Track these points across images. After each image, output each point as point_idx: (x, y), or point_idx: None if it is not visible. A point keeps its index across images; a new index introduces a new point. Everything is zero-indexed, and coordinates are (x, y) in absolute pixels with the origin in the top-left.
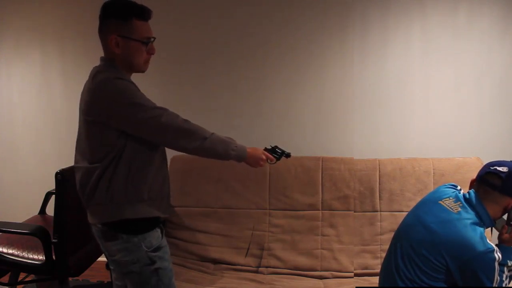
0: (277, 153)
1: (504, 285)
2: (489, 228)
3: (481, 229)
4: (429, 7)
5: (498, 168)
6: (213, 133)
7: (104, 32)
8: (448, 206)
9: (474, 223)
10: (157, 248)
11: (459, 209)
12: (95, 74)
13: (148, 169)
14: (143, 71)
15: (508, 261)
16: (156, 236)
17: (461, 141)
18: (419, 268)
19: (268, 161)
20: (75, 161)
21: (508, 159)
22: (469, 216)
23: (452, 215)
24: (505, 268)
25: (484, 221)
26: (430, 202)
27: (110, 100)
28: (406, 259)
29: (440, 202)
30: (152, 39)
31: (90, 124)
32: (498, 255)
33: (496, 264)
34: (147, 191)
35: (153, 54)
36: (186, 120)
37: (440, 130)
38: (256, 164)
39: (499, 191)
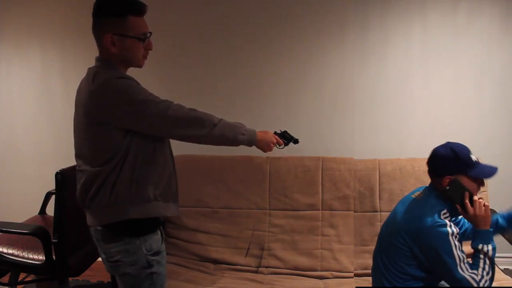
0: (286, 138)
1: (484, 275)
2: None
3: (440, 207)
4: (429, 7)
5: None
6: (221, 119)
7: (98, 31)
8: (414, 195)
9: (433, 204)
10: (157, 253)
11: (422, 195)
12: (94, 76)
13: (153, 168)
14: (140, 66)
15: (481, 244)
16: (156, 240)
17: (461, 141)
18: (394, 256)
19: (277, 145)
20: (78, 165)
21: (508, 159)
22: (428, 199)
23: (415, 200)
24: (481, 255)
25: (436, 204)
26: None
27: (115, 101)
28: (383, 248)
29: (410, 195)
30: (149, 34)
31: (93, 127)
32: (452, 229)
33: (451, 238)
34: (153, 191)
35: (150, 49)
36: (192, 109)
37: (440, 130)
38: (267, 148)
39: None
